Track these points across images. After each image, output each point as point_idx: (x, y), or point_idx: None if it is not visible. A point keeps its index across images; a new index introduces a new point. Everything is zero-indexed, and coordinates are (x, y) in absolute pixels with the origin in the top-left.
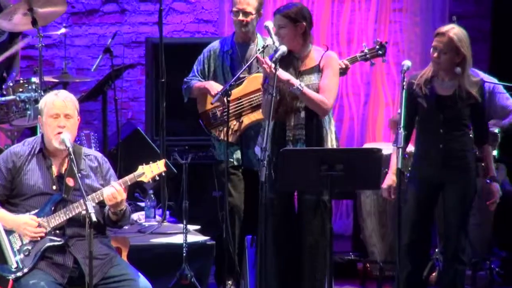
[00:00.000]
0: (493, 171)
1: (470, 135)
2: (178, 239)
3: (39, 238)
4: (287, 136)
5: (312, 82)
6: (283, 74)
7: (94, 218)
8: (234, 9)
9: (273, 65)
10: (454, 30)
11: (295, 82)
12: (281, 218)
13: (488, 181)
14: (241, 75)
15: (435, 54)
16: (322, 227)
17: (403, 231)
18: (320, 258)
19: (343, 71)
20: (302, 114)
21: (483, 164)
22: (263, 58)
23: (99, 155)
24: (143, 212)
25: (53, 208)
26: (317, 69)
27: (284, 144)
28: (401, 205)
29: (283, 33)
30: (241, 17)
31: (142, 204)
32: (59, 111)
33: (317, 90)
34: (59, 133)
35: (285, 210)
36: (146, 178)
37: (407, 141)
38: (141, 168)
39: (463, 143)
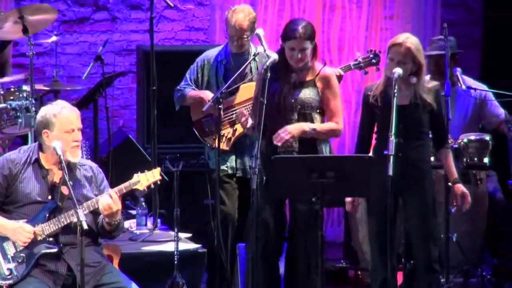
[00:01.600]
0: (454, 174)
1: (429, 145)
2: (169, 247)
3: (31, 247)
4: (279, 148)
5: (307, 96)
6: (295, 130)
7: (85, 226)
8: (230, 34)
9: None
10: (410, 40)
11: (307, 128)
12: (271, 226)
13: (450, 184)
14: (235, 84)
15: (394, 65)
16: (314, 237)
17: (373, 240)
18: (313, 267)
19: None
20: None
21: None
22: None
23: (94, 165)
24: (134, 220)
25: (47, 215)
26: (313, 84)
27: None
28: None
29: (303, 55)
30: (236, 42)
31: (134, 212)
32: (74, 126)
33: (312, 105)
34: (77, 146)
35: (275, 218)
36: (141, 186)
37: (367, 150)
38: (137, 176)
39: (421, 153)
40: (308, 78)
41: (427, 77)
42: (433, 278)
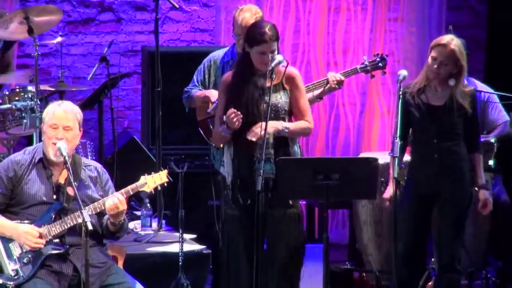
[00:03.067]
0: (482, 180)
1: (463, 145)
2: (174, 248)
3: (38, 249)
4: (255, 156)
5: (279, 100)
6: (270, 128)
7: (90, 227)
8: (236, 33)
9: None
10: (454, 42)
11: (280, 127)
12: (250, 234)
13: (476, 189)
14: None
15: (435, 66)
16: (292, 241)
17: (399, 239)
18: (296, 272)
19: (338, 86)
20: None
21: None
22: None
23: (98, 165)
24: (139, 221)
25: (53, 216)
26: (282, 87)
27: (253, 163)
28: (396, 214)
29: (272, 56)
30: (242, 41)
31: (138, 213)
32: (58, 122)
33: (284, 109)
34: (54, 143)
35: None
36: (148, 188)
37: (403, 150)
38: (144, 179)
39: (457, 153)
40: (276, 81)
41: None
42: (454, 279)
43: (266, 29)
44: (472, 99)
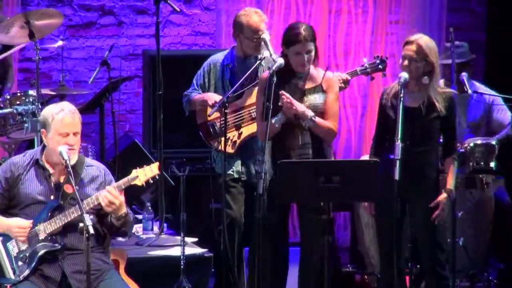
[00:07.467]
0: (449, 185)
1: (436, 151)
2: (175, 251)
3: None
4: (292, 156)
5: (316, 102)
6: (299, 106)
7: (91, 231)
8: (247, 36)
9: (294, 103)
10: (422, 38)
11: (309, 113)
12: (275, 234)
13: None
14: (242, 88)
15: (405, 62)
16: (323, 245)
17: (384, 240)
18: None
19: (344, 85)
20: (308, 133)
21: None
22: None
23: (102, 166)
24: (140, 225)
25: (49, 214)
26: (320, 89)
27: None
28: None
29: (310, 58)
30: (253, 43)
31: (140, 217)
32: (69, 130)
33: (322, 111)
34: (70, 150)
35: (278, 226)
36: (140, 182)
37: (378, 153)
38: (135, 172)
39: (426, 158)
40: (314, 84)
41: (442, 82)
42: (441, 285)
43: (302, 30)
44: (448, 102)
